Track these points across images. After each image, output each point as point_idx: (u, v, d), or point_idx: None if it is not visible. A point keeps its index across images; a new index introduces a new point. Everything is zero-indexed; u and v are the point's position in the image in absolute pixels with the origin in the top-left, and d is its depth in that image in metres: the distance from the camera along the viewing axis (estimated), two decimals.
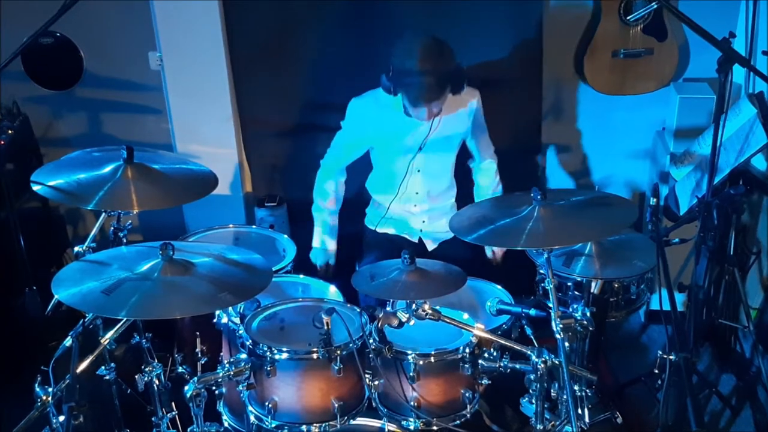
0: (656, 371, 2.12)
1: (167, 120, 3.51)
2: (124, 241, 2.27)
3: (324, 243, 3.02)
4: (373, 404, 2.24)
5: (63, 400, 1.81)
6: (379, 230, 3.03)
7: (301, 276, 2.63)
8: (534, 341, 2.26)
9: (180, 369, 2.37)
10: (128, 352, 2.53)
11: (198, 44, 3.31)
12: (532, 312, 2.24)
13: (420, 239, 3.00)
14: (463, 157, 3.06)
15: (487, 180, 3.06)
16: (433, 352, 2.16)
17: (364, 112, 2.85)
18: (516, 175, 3.64)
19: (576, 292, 2.50)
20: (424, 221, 2.99)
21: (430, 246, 2.98)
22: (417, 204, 2.97)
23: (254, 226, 3.16)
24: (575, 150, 3.67)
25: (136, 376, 2.27)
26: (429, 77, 2.50)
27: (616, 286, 2.52)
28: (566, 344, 2.02)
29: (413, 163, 2.85)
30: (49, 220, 3.65)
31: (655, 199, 2.39)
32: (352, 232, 3.18)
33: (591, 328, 2.13)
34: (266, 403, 2.10)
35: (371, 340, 2.15)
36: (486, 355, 2.19)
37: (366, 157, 3.58)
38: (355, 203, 3.64)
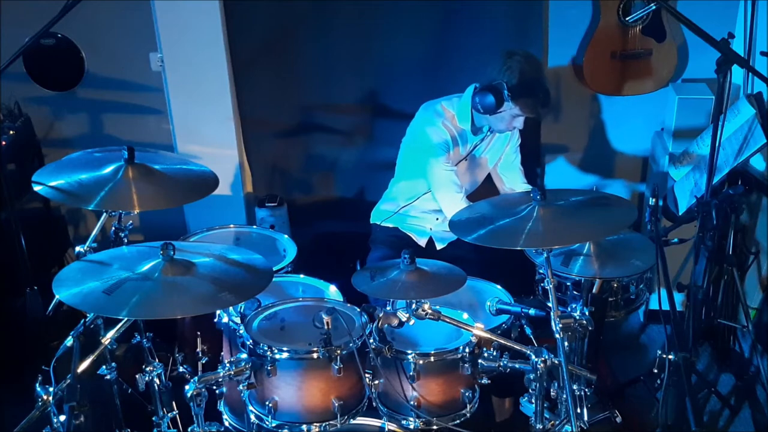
0: (655, 371, 2.12)
1: (168, 120, 3.52)
2: (125, 241, 2.28)
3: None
4: (373, 404, 2.24)
5: (64, 399, 1.81)
6: (387, 224, 3.05)
7: (302, 276, 2.64)
8: (533, 341, 2.27)
9: (181, 369, 2.38)
10: (129, 351, 2.54)
11: (198, 45, 3.31)
12: (532, 312, 2.25)
13: (430, 239, 3.02)
14: None
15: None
16: (432, 352, 2.16)
17: (432, 123, 2.88)
18: None
19: (575, 292, 2.51)
20: (437, 219, 3.02)
21: (439, 246, 3.02)
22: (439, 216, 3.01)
23: (255, 226, 3.17)
24: (574, 150, 3.68)
25: (137, 376, 2.27)
26: (546, 83, 2.75)
27: (615, 285, 2.53)
28: (565, 344, 2.03)
29: (457, 169, 2.91)
30: (50, 221, 3.65)
31: (654, 199, 2.40)
32: (355, 232, 3.18)
33: (590, 328, 2.14)
34: (266, 403, 2.10)
35: (371, 340, 2.16)
36: (486, 354, 2.19)
37: (365, 158, 3.60)
38: (355, 203, 3.66)
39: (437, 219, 3.02)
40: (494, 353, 2.20)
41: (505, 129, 2.83)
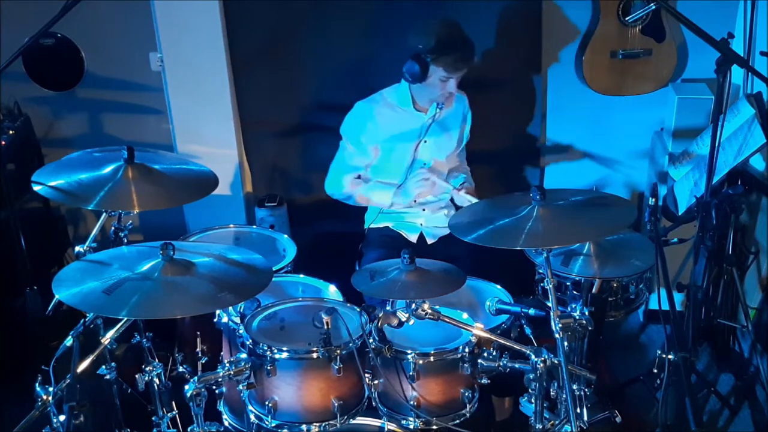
0: (655, 371, 2.13)
1: (168, 120, 3.52)
2: (125, 241, 2.28)
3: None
4: (373, 404, 2.24)
5: (64, 399, 1.82)
6: (378, 225, 3.04)
7: (302, 276, 2.64)
8: (533, 341, 2.27)
9: (180, 368, 2.38)
10: (129, 351, 2.54)
11: (198, 45, 3.32)
12: (531, 312, 2.25)
13: (421, 234, 3.03)
14: None
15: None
16: (432, 352, 2.16)
17: (369, 114, 2.94)
18: (515, 176, 3.66)
19: (575, 292, 2.51)
20: (424, 210, 3.03)
21: (430, 241, 3.03)
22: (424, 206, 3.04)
23: (254, 226, 3.17)
24: (574, 150, 3.68)
25: (137, 376, 2.27)
26: (466, 40, 2.77)
27: (614, 285, 2.53)
28: (565, 344, 2.03)
29: (418, 154, 2.93)
30: (49, 220, 3.65)
31: (653, 199, 2.40)
32: (355, 232, 3.18)
33: (590, 328, 2.14)
34: (266, 403, 2.10)
35: (371, 340, 2.16)
36: (485, 354, 2.19)
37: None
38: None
39: (423, 209, 3.04)
40: (494, 353, 2.20)
41: (441, 95, 2.85)
